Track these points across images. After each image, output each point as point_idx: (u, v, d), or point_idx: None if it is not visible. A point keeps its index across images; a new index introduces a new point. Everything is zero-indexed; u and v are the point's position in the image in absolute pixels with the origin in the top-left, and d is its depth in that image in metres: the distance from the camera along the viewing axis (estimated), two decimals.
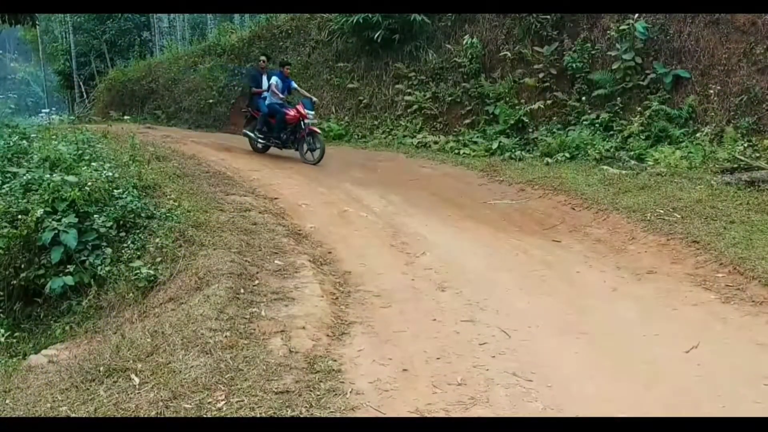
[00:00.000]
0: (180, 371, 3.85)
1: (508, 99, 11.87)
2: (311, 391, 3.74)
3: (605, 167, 9.41)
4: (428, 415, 3.57)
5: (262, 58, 12.43)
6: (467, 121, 12.38)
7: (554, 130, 11.00)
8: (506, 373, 4.06)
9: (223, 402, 3.52)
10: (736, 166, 8.49)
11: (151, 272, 5.82)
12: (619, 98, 10.66)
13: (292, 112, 10.92)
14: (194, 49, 18.89)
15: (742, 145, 8.93)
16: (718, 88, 9.77)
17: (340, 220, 7.89)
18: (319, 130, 10.89)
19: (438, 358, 4.30)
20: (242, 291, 5.24)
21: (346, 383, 3.89)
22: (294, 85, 11.54)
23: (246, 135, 11.81)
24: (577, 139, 10.41)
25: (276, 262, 6.10)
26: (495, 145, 11.10)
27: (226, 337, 4.32)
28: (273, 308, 4.99)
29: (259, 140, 11.38)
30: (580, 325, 4.91)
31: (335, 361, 4.22)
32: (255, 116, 11.62)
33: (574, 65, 11.17)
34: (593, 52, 11.18)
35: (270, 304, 5.07)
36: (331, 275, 6.06)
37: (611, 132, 10.50)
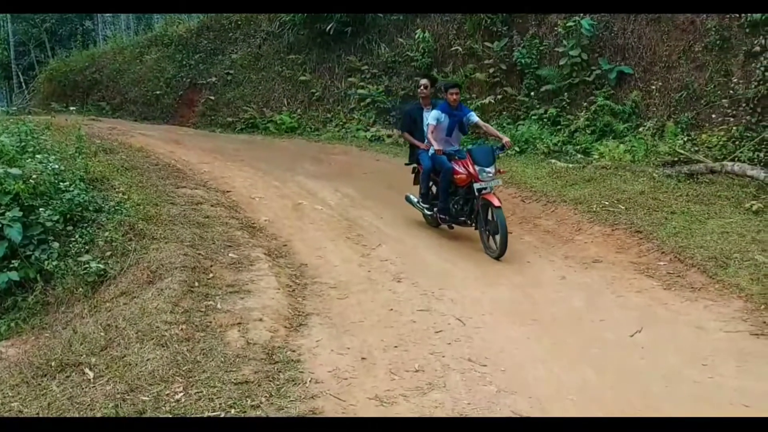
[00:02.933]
0: (136, 364, 3.80)
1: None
2: (271, 381, 3.75)
3: (553, 161, 9.66)
4: (386, 401, 3.63)
5: (423, 82, 7.63)
6: None
7: (504, 124, 11.21)
8: (462, 359, 4.16)
9: (182, 394, 3.49)
10: (676, 159, 8.84)
11: (101, 266, 5.69)
12: (566, 93, 10.95)
13: (461, 169, 6.82)
14: (140, 40, 18.43)
15: (681, 139, 9.30)
16: (660, 84, 10.15)
17: (295, 213, 7.87)
18: (498, 201, 6.45)
19: (395, 347, 4.38)
20: (196, 284, 5.19)
21: (305, 373, 3.92)
22: (474, 117, 7.15)
23: (408, 201, 7.71)
24: (526, 133, 10.65)
25: (230, 255, 6.05)
26: None
27: (182, 329, 4.28)
28: (229, 301, 4.96)
29: (425, 210, 7.33)
30: (531, 312, 5.06)
31: (294, 351, 4.24)
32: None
33: (523, 61, 11.41)
34: (541, 48, 11.44)
35: (226, 296, 5.05)
36: (287, 268, 6.06)
37: (559, 126, 10.79)
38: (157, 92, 16.20)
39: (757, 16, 8.93)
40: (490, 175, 6.61)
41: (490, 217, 6.49)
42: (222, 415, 3.32)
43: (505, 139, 6.91)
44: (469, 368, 4.05)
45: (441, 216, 7.06)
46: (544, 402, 3.68)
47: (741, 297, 5.02)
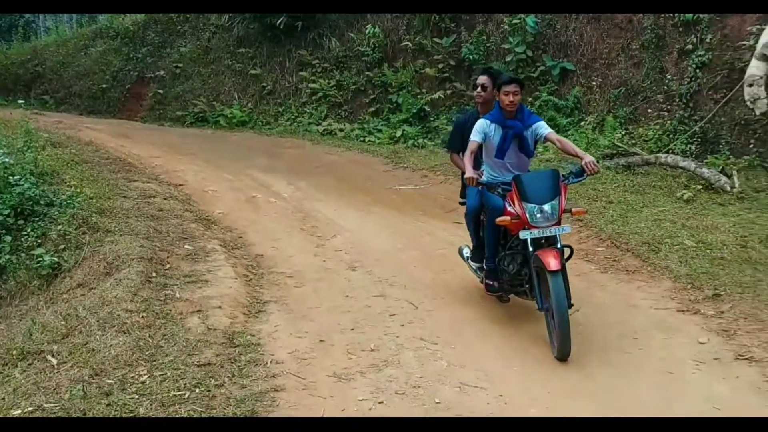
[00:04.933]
0: (99, 350, 3.90)
1: (410, 88, 12.28)
2: (233, 362, 3.92)
3: None
4: (344, 377, 3.85)
5: (482, 80, 5.36)
6: (371, 109, 12.69)
7: (454, 118, 11.51)
8: (414, 339, 4.42)
9: (147, 376, 3.63)
10: (615, 152, 9.31)
11: (55, 259, 5.72)
12: None
13: (510, 210, 4.59)
14: (84, 32, 17.97)
15: (620, 132, 9.78)
16: (600, 80, 10.62)
17: (249, 206, 7.99)
18: (557, 261, 4.22)
19: (352, 329, 4.60)
20: (154, 275, 5.29)
21: (265, 355, 4.10)
22: (544, 129, 4.82)
23: (461, 256, 5.63)
24: None
25: (186, 246, 6.15)
26: (399, 133, 11.49)
27: (142, 317, 4.39)
28: (187, 290, 5.08)
29: (473, 265, 5.32)
30: (479, 296, 5.33)
31: (253, 336, 4.42)
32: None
33: (471, 57, 11.74)
34: (488, 44, 11.78)
35: (184, 286, 5.16)
36: (243, 258, 6.20)
37: None
38: (104, 86, 15.89)
39: (690, 15, 9.45)
40: (549, 216, 4.38)
41: (550, 284, 4.17)
42: (187, 395, 3.47)
43: (588, 158, 4.48)
44: (421, 346, 4.31)
45: (488, 281, 4.93)
46: (490, 374, 3.97)
47: (670, 278, 5.43)
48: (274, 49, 14.39)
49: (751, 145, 8.28)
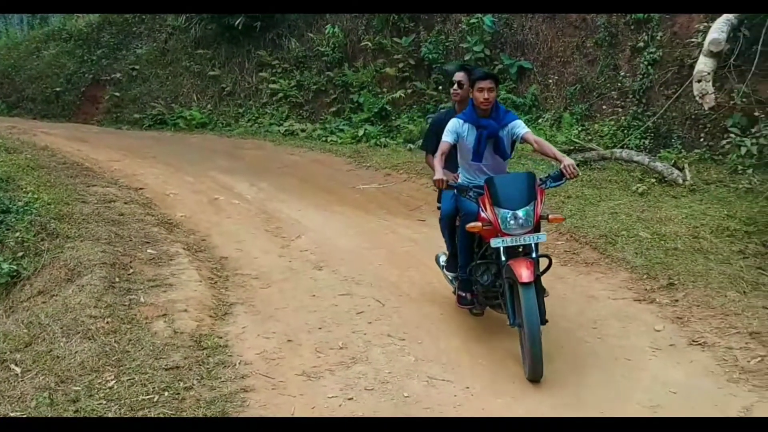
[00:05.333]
0: (64, 357, 3.86)
1: (371, 88, 12.34)
2: (201, 365, 3.92)
3: None
4: (313, 376, 3.89)
5: (458, 77, 5.03)
6: (333, 109, 12.71)
7: (415, 117, 11.62)
8: (382, 335, 4.49)
9: (114, 381, 3.60)
10: (572, 147, 9.53)
11: (14, 267, 5.59)
12: None
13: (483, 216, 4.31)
14: (36, 35, 17.52)
15: (577, 129, 10.03)
16: (556, 77, 10.86)
17: (211, 208, 7.93)
18: (528, 273, 3.92)
19: (320, 328, 4.64)
20: (117, 280, 5.23)
21: (234, 356, 4.12)
22: (521, 128, 4.51)
23: (438, 264, 5.37)
24: None
25: (149, 251, 6.09)
26: (361, 133, 11.53)
27: (107, 323, 4.35)
28: (152, 294, 5.05)
29: (448, 275, 5.10)
30: (444, 292, 5.41)
31: (221, 338, 4.42)
32: None
33: (430, 56, 11.86)
34: (447, 43, 11.93)
35: (148, 290, 5.12)
36: (207, 261, 6.17)
37: None
38: (57, 89, 15.51)
39: (641, 14, 9.74)
40: (523, 223, 4.06)
41: (519, 301, 3.94)
42: (156, 399, 3.47)
43: (567, 160, 4.18)
44: (389, 342, 4.38)
45: (460, 293, 4.69)
46: (457, 368, 4.06)
47: (627, 269, 5.62)
48: (233, 50, 14.28)
49: (702, 139, 8.59)
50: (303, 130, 12.33)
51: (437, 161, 4.34)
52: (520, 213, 4.06)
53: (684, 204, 6.99)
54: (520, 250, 4.12)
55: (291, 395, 3.71)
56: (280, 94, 13.24)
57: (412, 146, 10.71)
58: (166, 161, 10.15)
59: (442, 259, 5.25)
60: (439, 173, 4.20)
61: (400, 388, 3.80)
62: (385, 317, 4.83)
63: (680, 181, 7.70)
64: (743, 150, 7.76)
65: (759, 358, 4.11)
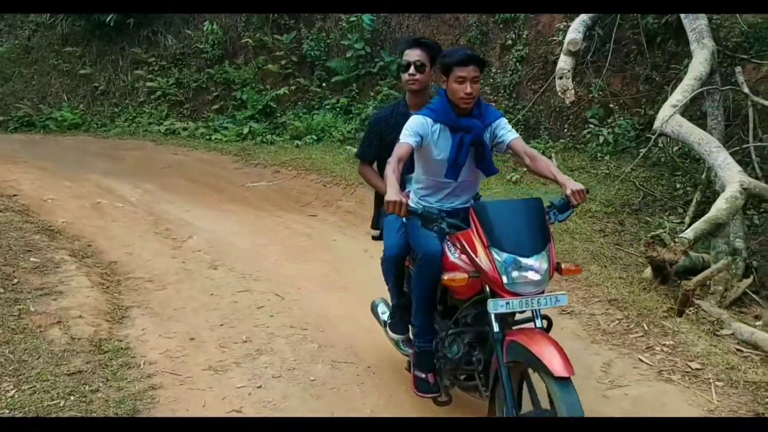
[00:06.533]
0: None
1: (254, 85, 12.32)
2: (104, 368, 3.91)
3: (348, 147, 10.44)
4: (220, 369, 4.01)
5: (413, 56, 3.64)
6: (215, 106, 12.56)
7: (300, 114, 11.77)
8: (284, 327, 4.67)
9: (14, 390, 3.52)
10: None
11: None
12: (354, 84, 11.81)
13: (457, 259, 2.95)
14: None
15: None
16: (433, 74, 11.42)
17: (95, 213, 7.68)
18: (564, 365, 2.45)
19: (221, 325, 4.73)
20: (2, 290, 5.02)
21: (137, 357, 4.13)
22: (508, 133, 3.17)
23: (374, 314, 4.16)
24: (321, 122, 11.32)
25: (32, 259, 5.85)
26: (246, 130, 11.50)
27: None
28: (42, 303, 4.89)
29: (394, 336, 3.73)
30: (340, 282, 5.69)
31: (121, 341, 4.40)
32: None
33: (312, 53, 12.04)
34: (329, 41, 12.15)
35: (37, 299, 4.96)
36: (96, 267, 6.02)
37: (351, 115, 11.61)
38: None
39: (508, 14, 10.46)
40: (535, 272, 2.75)
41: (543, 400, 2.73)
42: (62, 403, 3.45)
43: (573, 185, 2.92)
44: (292, 333, 4.57)
45: (417, 373, 3.38)
46: (359, 352, 4.33)
47: None
48: (105, 47, 13.69)
49: (566, 130, 9.45)
50: (185, 129, 12.10)
51: (391, 172, 2.90)
52: (530, 261, 2.72)
53: (553, 190, 7.67)
54: (517, 316, 2.90)
55: (200, 389, 3.80)
56: (159, 93, 12.90)
57: (299, 143, 10.85)
58: (40, 165, 9.63)
59: (382, 312, 3.94)
60: (393, 192, 2.78)
61: (306, 373, 4.01)
62: (285, 310, 5.01)
63: None
64: (601, 139, 8.66)
65: (617, 321, 4.73)
